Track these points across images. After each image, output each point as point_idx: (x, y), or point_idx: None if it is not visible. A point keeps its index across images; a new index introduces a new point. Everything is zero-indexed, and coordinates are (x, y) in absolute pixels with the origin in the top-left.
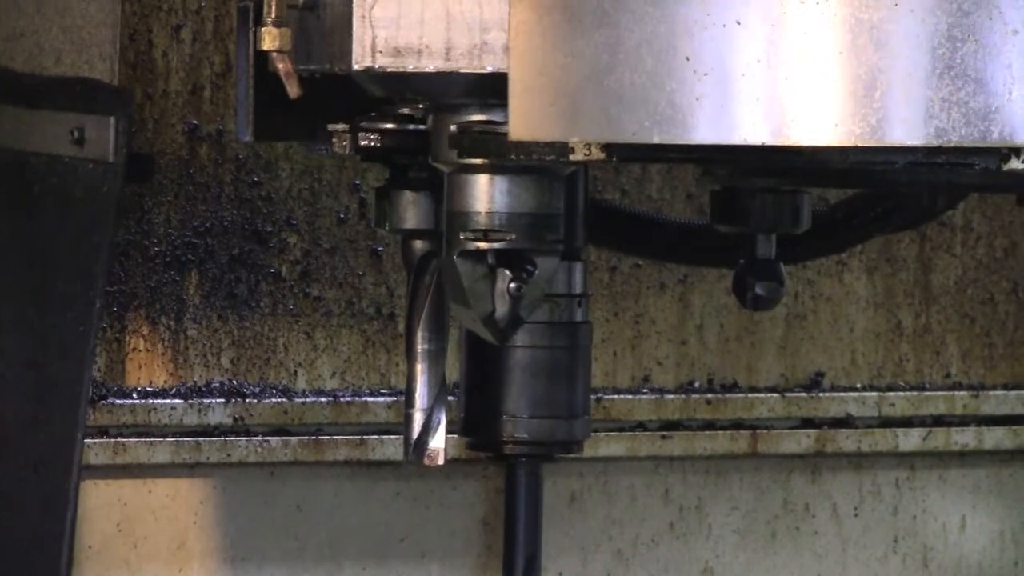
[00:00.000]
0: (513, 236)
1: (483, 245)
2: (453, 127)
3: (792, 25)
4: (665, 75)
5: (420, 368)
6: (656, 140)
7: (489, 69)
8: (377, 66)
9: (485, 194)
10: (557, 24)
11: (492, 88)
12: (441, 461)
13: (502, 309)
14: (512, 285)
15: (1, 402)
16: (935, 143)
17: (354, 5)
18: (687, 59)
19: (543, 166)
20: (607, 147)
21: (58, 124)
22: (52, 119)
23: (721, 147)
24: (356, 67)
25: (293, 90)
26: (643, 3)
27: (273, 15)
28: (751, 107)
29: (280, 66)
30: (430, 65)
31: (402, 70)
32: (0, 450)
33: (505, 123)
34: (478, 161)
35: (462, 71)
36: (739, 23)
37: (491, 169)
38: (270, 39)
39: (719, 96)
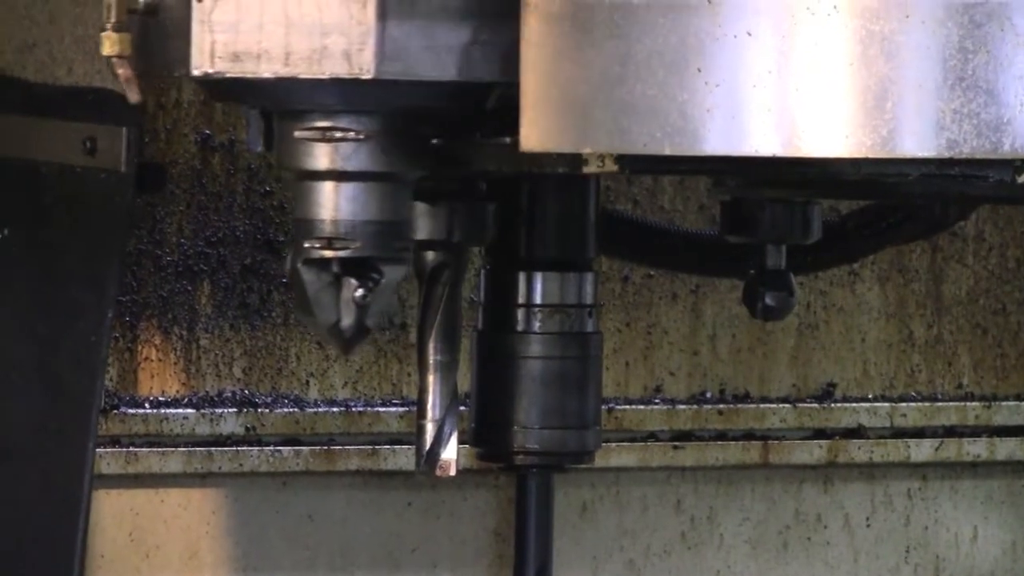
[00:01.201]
0: (358, 244)
1: (328, 253)
2: (296, 133)
3: (803, 36)
4: (676, 86)
5: (432, 379)
6: (667, 152)
7: (328, 75)
8: (215, 71)
9: (330, 201)
10: (567, 35)
11: (334, 93)
12: (453, 472)
13: (348, 318)
14: (358, 294)
15: (12, 412)
16: (947, 155)
17: (193, 9)
18: (698, 70)
19: (390, 174)
20: (620, 159)
21: (70, 134)
22: (64, 128)
23: (732, 159)
24: (195, 72)
25: (133, 95)
26: (654, 14)
27: (113, 20)
28: (762, 118)
29: (120, 72)
30: (268, 70)
31: (241, 75)
32: (11, 460)
33: (352, 129)
34: (322, 168)
35: (301, 76)
36: (750, 34)
37: (336, 176)
38: (110, 44)
39: (730, 107)
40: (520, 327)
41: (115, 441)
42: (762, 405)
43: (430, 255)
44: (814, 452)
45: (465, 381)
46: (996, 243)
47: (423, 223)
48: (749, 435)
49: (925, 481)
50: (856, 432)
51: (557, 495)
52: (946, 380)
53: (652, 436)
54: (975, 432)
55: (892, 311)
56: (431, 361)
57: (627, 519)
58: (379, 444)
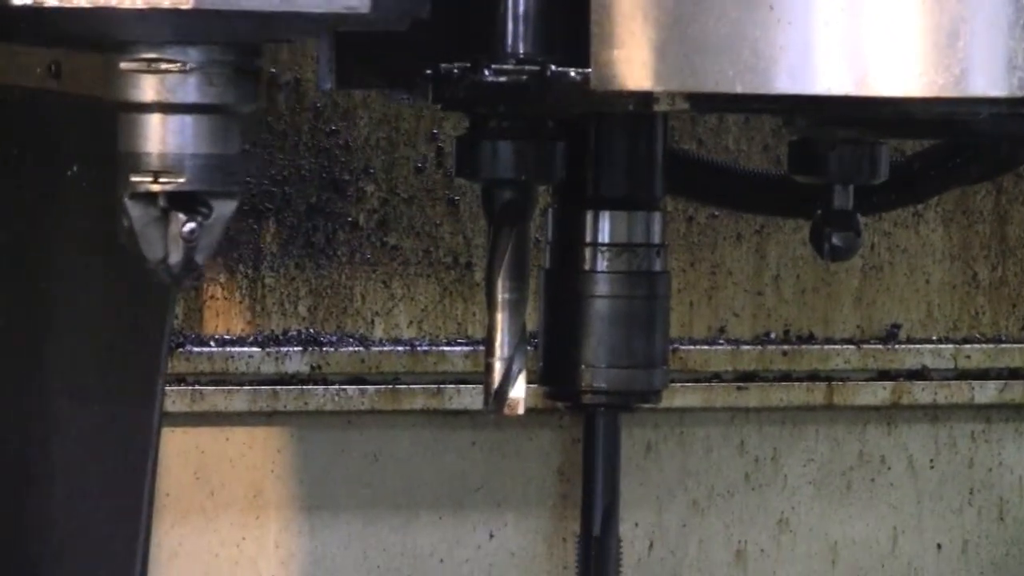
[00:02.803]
0: (186, 178)
1: (154, 187)
2: (122, 65)
3: None
4: (748, 24)
5: (500, 317)
6: (739, 90)
7: (146, 4)
8: (32, 2)
9: (156, 134)
10: None
11: (155, 24)
12: (521, 411)
13: (176, 254)
14: (186, 228)
15: (81, 349)
16: (1018, 94)
17: None
18: (770, 8)
19: (218, 106)
20: (691, 97)
21: None
22: None
23: (803, 97)
24: (15, 2)
25: None
26: None
27: None
28: (834, 57)
29: None
30: (89, 1)
31: (60, 5)
32: (79, 394)
33: (178, 61)
34: (148, 100)
35: (120, 6)
36: None
37: (163, 108)
38: None
39: (802, 46)
40: (587, 266)
41: (181, 379)
42: (826, 346)
43: (499, 193)
44: (878, 394)
45: (532, 321)
46: None
47: (492, 161)
48: (813, 376)
49: (989, 423)
50: (920, 374)
51: (622, 435)
52: (1010, 322)
53: (716, 376)
54: None
55: (956, 253)
56: (500, 299)
57: (691, 460)
58: (444, 383)
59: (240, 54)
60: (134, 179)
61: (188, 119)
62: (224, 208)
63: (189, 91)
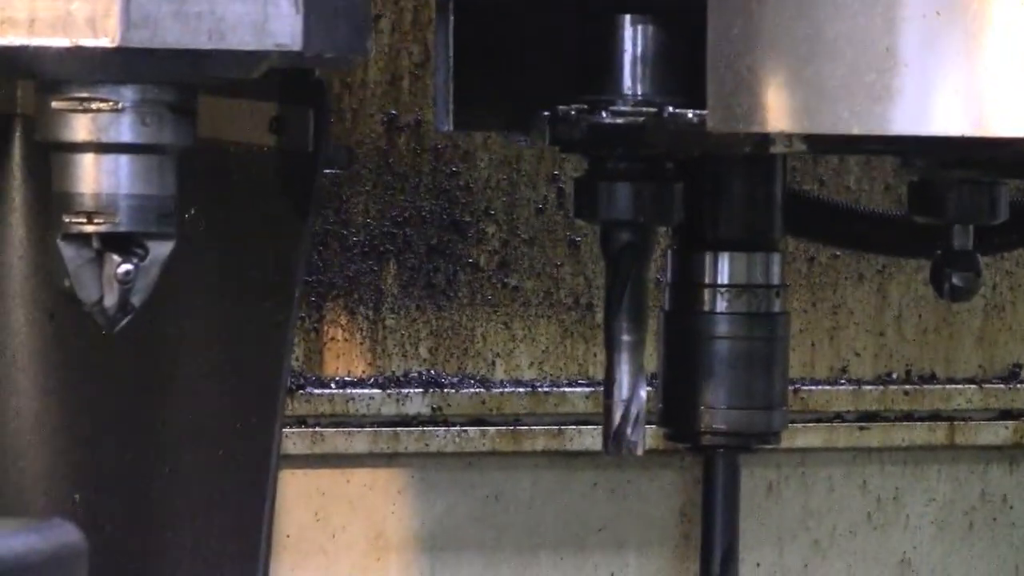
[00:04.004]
0: (119, 219)
1: (88, 228)
2: (54, 103)
3: (993, 16)
4: (864, 66)
5: (619, 359)
6: (856, 131)
7: (72, 42)
8: None
9: (90, 175)
10: (755, 16)
11: (82, 62)
12: (640, 452)
13: (111, 296)
14: (120, 270)
15: (200, 393)
16: None
17: None
18: (887, 50)
19: (152, 146)
20: (807, 138)
21: (257, 114)
22: (251, 109)
23: (920, 138)
24: None
25: None
26: None
27: None
28: (950, 98)
29: None
30: (14, 37)
31: None
32: (197, 439)
33: (110, 100)
34: (80, 140)
35: (46, 44)
36: (938, 14)
37: (96, 148)
38: None
39: (918, 87)
40: (707, 307)
41: (301, 421)
42: (948, 386)
43: (618, 235)
44: (1000, 433)
45: (652, 361)
46: None
47: (611, 203)
48: (935, 416)
49: None
50: None
51: (743, 475)
52: None
53: (838, 416)
54: None
55: None
56: (618, 341)
57: (812, 499)
58: (565, 424)
59: (175, 93)
60: (67, 219)
61: (122, 159)
62: (160, 249)
63: (123, 130)
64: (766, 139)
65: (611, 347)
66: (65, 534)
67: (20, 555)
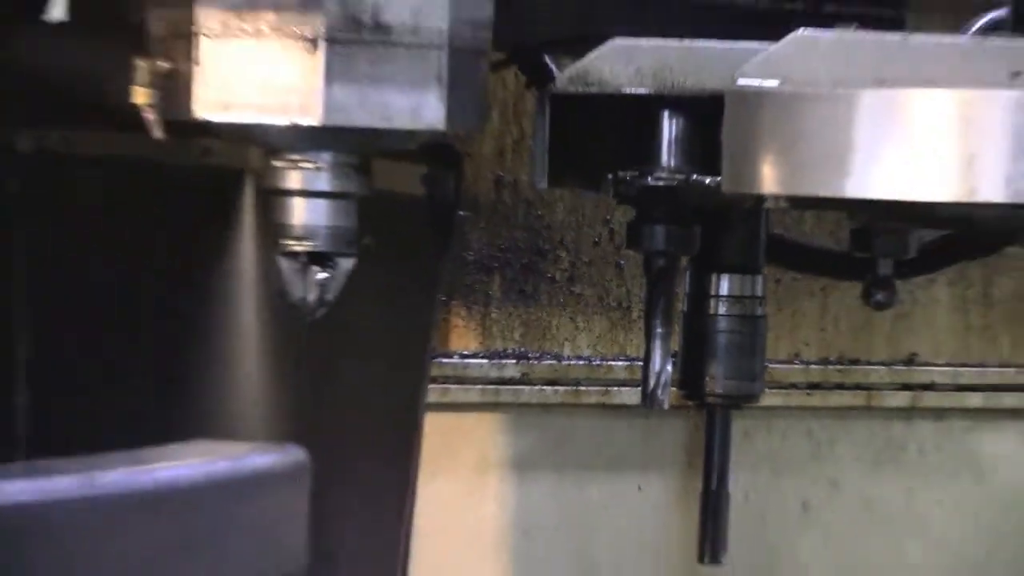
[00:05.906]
0: (318, 242)
1: (298, 248)
2: (274, 163)
3: (916, 118)
4: (830, 150)
5: (654, 345)
6: (822, 194)
7: (288, 121)
8: (208, 117)
9: (299, 212)
10: (755, 112)
11: (294, 134)
12: (666, 407)
13: (312, 295)
14: (319, 276)
15: (370, 363)
16: (1014, 200)
17: (194, 73)
18: (845, 140)
19: (341, 193)
20: (791, 198)
21: (413, 172)
22: (409, 169)
23: (864, 200)
24: (196, 117)
25: (157, 133)
26: (818, 99)
27: (144, 79)
28: (890, 172)
29: (148, 115)
30: (247, 117)
31: (225, 120)
32: (366, 404)
33: (312, 161)
34: (293, 188)
35: (269, 123)
36: (880, 116)
37: (302, 194)
38: (140, 96)
39: (864, 166)
40: (712, 311)
41: (434, 380)
42: (867, 367)
43: (656, 261)
44: (901, 398)
45: (675, 344)
46: None
47: (652, 239)
48: (858, 387)
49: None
50: (928, 387)
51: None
52: (1000, 350)
53: (792, 386)
54: None
55: (956, 305)
56: (654, 332)
57: (774, 442)
58: (611, 386)
59: (358, 157)
60: (283, 242)
61: (321, 202)
62: (345, 264)
63: (321, 182)
64: (762, 198)
65: (649, 336)
66: (296, 454)
67: (265, 467)
